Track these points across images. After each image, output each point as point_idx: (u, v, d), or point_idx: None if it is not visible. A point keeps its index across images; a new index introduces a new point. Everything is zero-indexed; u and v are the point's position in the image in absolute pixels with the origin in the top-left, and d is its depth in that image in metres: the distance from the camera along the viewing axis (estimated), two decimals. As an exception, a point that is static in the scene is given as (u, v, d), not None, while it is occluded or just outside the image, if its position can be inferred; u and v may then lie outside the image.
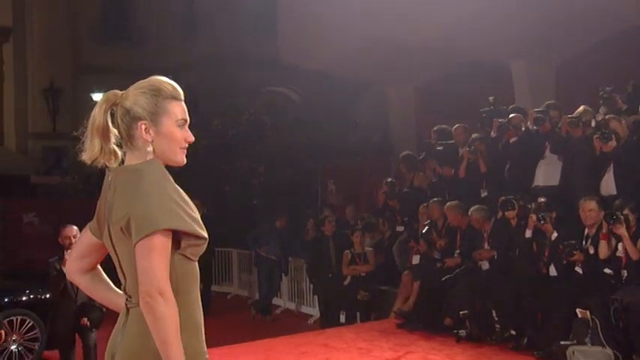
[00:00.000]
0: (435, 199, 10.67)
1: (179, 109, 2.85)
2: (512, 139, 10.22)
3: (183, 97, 2.89)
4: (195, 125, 2.94)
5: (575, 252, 8.12)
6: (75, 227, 8.45)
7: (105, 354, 2.86)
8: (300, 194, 17.43)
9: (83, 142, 2.81)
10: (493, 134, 10.72)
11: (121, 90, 2.89)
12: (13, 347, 10.20)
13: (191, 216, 2.72)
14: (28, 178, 23.12)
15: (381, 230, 12.22)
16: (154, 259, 2.56)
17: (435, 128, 11.73)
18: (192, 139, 2.89)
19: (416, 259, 10.42)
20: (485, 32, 12.75)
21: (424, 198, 11.06)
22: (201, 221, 2.78)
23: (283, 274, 14.19)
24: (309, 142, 18.32)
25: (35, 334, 10.39)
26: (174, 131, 2.82)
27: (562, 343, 7.93)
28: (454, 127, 11.29)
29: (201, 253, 2.82)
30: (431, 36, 13.31)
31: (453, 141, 11.26)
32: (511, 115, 10.44)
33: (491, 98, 11.18)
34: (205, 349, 2.86)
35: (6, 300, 10.38)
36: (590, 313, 7.76)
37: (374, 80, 16.68)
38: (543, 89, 12.91)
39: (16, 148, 27.00)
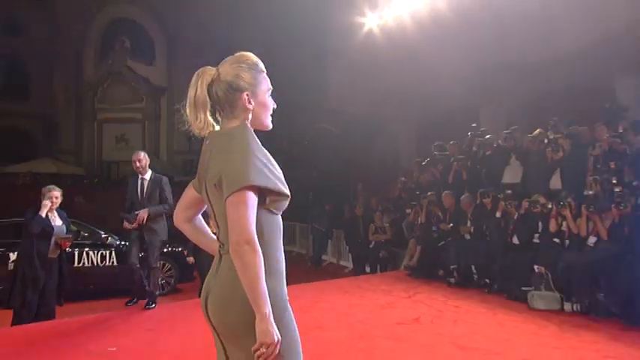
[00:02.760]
0: (431, 192, 9.85)
1: (267, 81, 2.13)
2: (488, 152, 9.51)
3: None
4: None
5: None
6: (142, 152, 7.03)
7: (201, 293, 2.12)
8: (338, 191, 16.89)
9: (185, 118, 2.08)
10: (474, 149, 9.94)
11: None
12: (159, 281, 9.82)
13: (275, 175, 1.98)
14: (173, 178, 23.00)
15: (395, 212, 11.43)
16: (242, 212, 1.87)
17: (436, 144, 10.90)
18: (275, 105, 2.16)
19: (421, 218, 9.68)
20: (462, 88, 12.05)
21: (425, 191, 10.14)
22: (284, 180, 1.97)
23: (329, 240, 13.73)
24: (346, 158, 17.55)
25: (172, 273, 9.85)
26: (266, 99, 2.10)
27: (523, 288, 7.24)
28: (449, 143, 10.50)
29: (284, 208, 2.06)
30: (426, 90, 12.64)
31: (447, 152, 10.45)
32: (487, 136, 9.82)
33: (474, 125, 10.45)
34: (286, 293, 2.01)
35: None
36: (545, 269, 7.07)
37: (389, 119, 15.84)
38: (499, 125, 11.75)
39: (166, 160, 27.62)
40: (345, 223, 12.51)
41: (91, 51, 28.65)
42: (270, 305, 1.84)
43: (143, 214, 6.70)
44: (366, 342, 5.47)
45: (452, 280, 8.34)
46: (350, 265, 12.12)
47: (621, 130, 7.51)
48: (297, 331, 2.00)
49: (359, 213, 11.89)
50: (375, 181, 15.10)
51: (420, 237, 9.42)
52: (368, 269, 10.89)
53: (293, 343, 1.95)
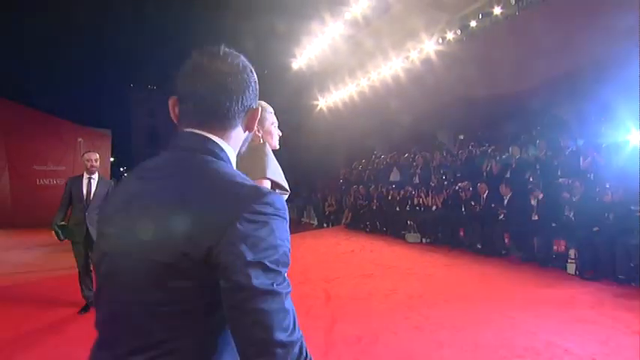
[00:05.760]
0: (356, 185, 9.04)
1: (272, 118, 1.42)
2: (382, 165, 8.77)
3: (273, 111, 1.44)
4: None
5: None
6: (97, 154, 3.31)
7: None
8: (309, 185, 14.55)
9: None
10: (376, 162, 9.17)
11: None
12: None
13: (282, 176, 1.34)
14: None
15: (338, 195, 10.41)
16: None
17: (356, 162, 10.34)
18: (280, 133, 1.45)
19: (351, 199, 8.72)
20: (365, 134, 10.85)
21: (353, 185, 9.27)
22: (286, 181, 1.37)
23: (304, 210, 12.60)
24: (311, 169, 15.96)
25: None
26: (273, 130, 1.42)
27: (402, 232, 6.61)
28: (362, 161, 9.90)
29: (285, 198, 1.31)
30: (350, 135, 11.73)
31: (362, 167, 9.72)
32: (381, 156, 9.18)
33: (375, 151, 9.55)
34: None
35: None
36: (412, 222, 6.46)
37: (333, 149, 13.44)
38: (385, 150, 10.22)
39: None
40: (313, 201, 11.72)
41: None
42: None
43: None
44: (325, 262, 4.86)
45: (367, 229, 7.71)
46: (316, 223, 11.25)
47: (444, 154, 7.07)
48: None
49: (320, 196, 11.14)
50: (327, 180, 14.28)
51: (350, 208, 8.77)
52: (325, 225, 10.10)
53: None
